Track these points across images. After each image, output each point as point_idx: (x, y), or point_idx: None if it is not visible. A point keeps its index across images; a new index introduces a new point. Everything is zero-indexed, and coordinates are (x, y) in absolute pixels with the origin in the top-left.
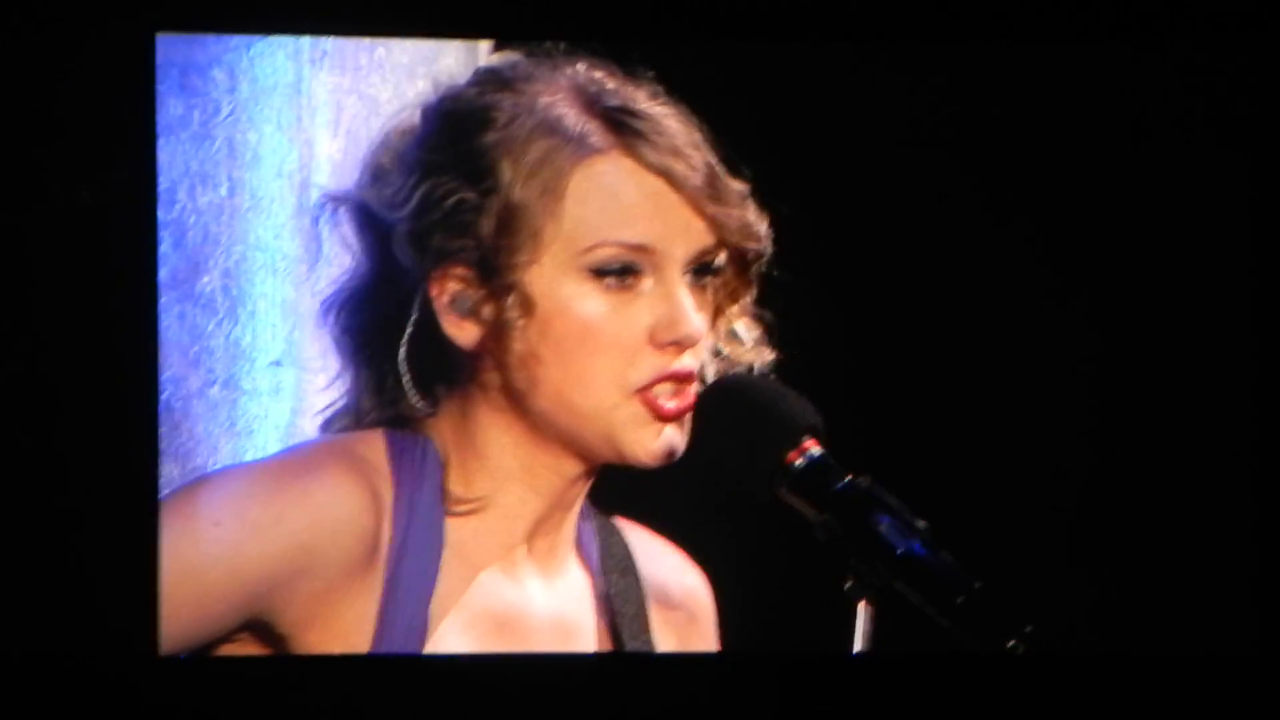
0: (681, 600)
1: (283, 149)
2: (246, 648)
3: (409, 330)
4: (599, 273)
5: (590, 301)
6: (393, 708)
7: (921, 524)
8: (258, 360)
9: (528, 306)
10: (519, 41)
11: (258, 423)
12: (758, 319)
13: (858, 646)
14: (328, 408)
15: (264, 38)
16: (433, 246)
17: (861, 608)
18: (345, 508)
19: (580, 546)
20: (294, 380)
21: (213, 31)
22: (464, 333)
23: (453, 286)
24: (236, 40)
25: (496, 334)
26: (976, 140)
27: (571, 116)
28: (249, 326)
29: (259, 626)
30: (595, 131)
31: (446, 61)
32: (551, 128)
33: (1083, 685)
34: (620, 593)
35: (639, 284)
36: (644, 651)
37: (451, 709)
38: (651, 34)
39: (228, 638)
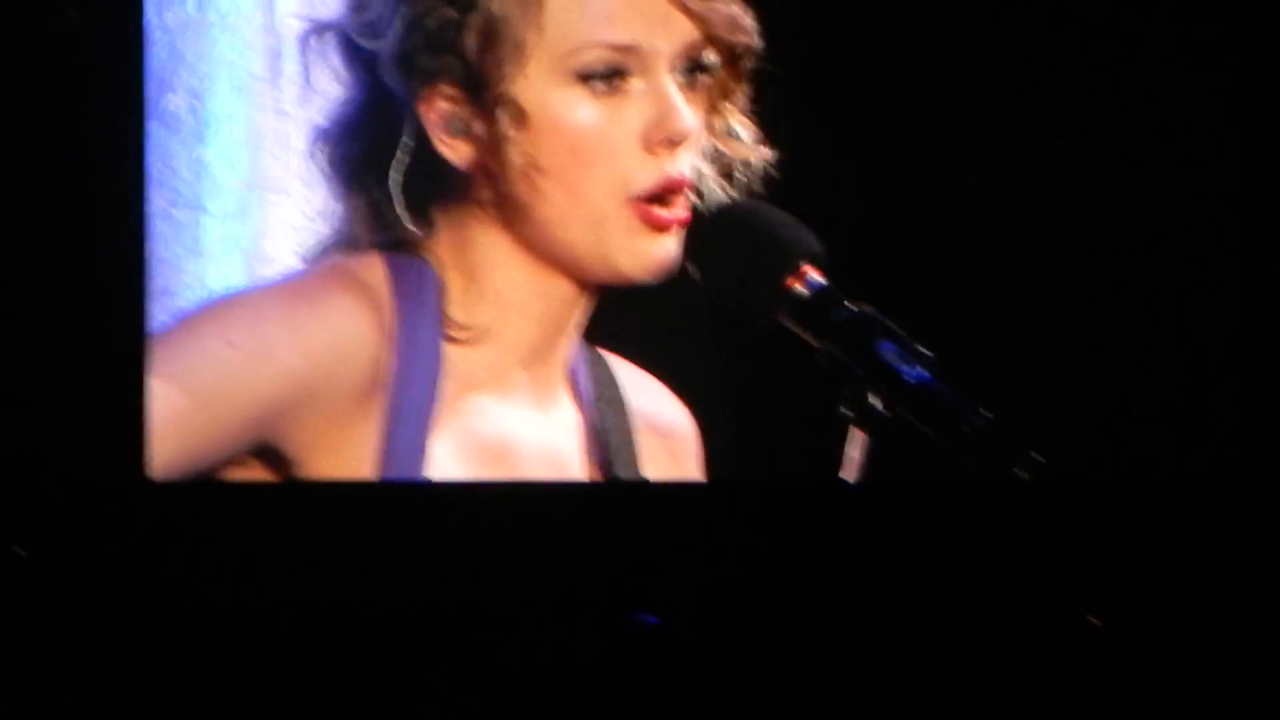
0: (668, 432)
1: None
2: (251, 472)
3: (399, 154)
4: (586, 77)
5: (580, 108)
6: (394, 534)
7: (925, 352)
8: (222, 181)
9: (520, 118)
10: None
11: (222, 245)
12: (754, 115)
13: (847, 473)
14: (320, 241)
15: None
16: (418, 67)
17: (853, 434)
18: (355, 331)
19: (572, 376)
20: (259, 202)
21: None
22: (457, 152)
23: (442, 106)
24: None
25: (492, 149)
26: None
27: None
28: (214, 146)
29: (266, 450)
30: None
31: None
32: None
33: (1076, 515)
34: (610, 424)
35: (627, 85)
36: (636, 479)
37: (451, 535)
38: None
39: (234, 460)
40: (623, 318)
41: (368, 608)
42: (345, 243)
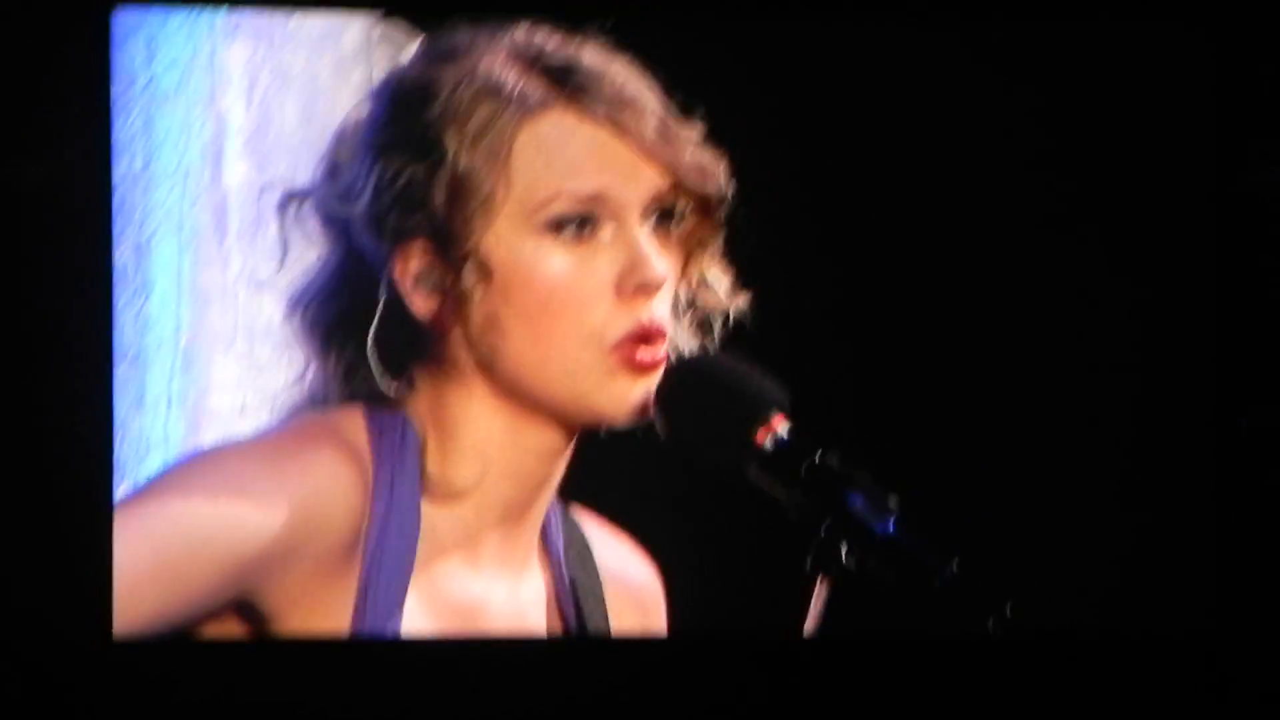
0: (636, 588)
1: (196, 121)
2: (225, 626)
3: (378, 313)
4: (556, 227)
5: (550, 259)
6: (368, 690)
7: (893, 502)
8: (166, 336)
9: (484, 273)
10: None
11: (166, 400)
12: (728, 264)
13: (811, 624)
14: (292, 405)
15: (193, 10)
16: (390, 227)
17: (819, 586)
18: (337, 488)
19: (545, 538)
20: (204, 357)
21: (173, 4)
22: (430, 309)
23: (415, 264)
24: (152, 11)
25: (456, 306)
26: (941, 84)
27: (512, 77)
28: (158, 300)
29: (246, 606)
30: (536, 89)
31: (350, 35)
32: (493, 90)
33: (1044, 664)
34: (581, 581)
35: (598, 235)
36: (605, 634)
37: (425, 691)
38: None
39: (213, 617)
40: (590, 472)
41: None
42: (319, 403)
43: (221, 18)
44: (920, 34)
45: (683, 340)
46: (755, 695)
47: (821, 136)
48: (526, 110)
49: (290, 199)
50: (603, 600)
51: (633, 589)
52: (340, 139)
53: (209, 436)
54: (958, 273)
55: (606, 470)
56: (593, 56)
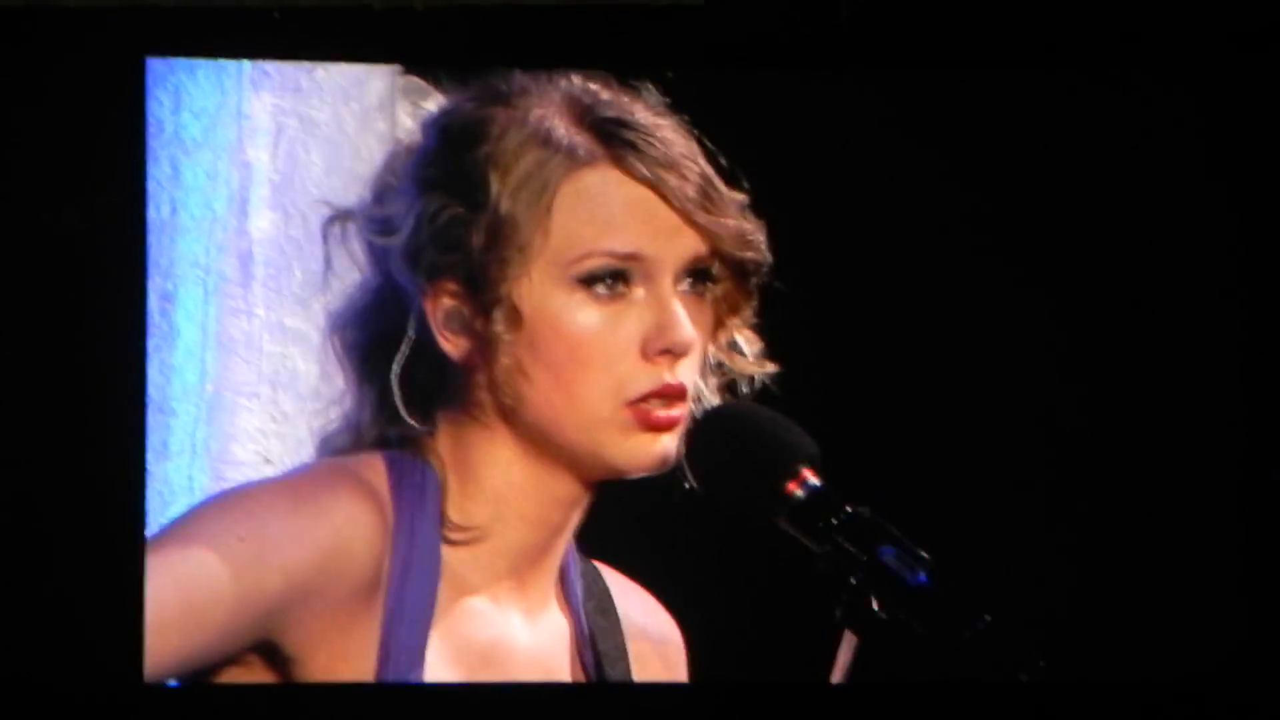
0: (659, 640)
1: (223, 170)
2: (249, 670)
3: (404, 349)
4: (588, 281)
5: (581, 312)
6: None
7: (925, 555)
8: (190, 384)
9: (514, 320)
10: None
11: (189, 448)
12: (759, 331)
13: (838, 676)
14: (329, 424)
15: (220, 61)
16: (426, 262)
17: (846, 638)
18: (359, 531)
19: (564, 583)
20: (228, 406)
21: (202, 56)
22: (458, 348)
23: (446, 302)
24: (179, 62)
25: (484, 348)
26: (974, 159)
27: (561, 128)
28: (183, 349)
29: (268, 647)
30: (584, 143)
31: (375, 85)
32: (541, 140)
33: (1076, 714)
34: (602, 632)
35: (630, 293)
36: (632, 682)
37: None
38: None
39: (234, 659)
40: (611, 521)
41: None
42: (351, 431)
43: (249, 68)
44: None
45: (708, 402)
46: None
47: (861, 207)
48: (573, 163)
49: (336, 219)
50: (625, 651)
51: (655, 642)
52: (391, 164)
53: (232, 485)
54: (989, 332)
55: (627, 522)
56: (644, 114)
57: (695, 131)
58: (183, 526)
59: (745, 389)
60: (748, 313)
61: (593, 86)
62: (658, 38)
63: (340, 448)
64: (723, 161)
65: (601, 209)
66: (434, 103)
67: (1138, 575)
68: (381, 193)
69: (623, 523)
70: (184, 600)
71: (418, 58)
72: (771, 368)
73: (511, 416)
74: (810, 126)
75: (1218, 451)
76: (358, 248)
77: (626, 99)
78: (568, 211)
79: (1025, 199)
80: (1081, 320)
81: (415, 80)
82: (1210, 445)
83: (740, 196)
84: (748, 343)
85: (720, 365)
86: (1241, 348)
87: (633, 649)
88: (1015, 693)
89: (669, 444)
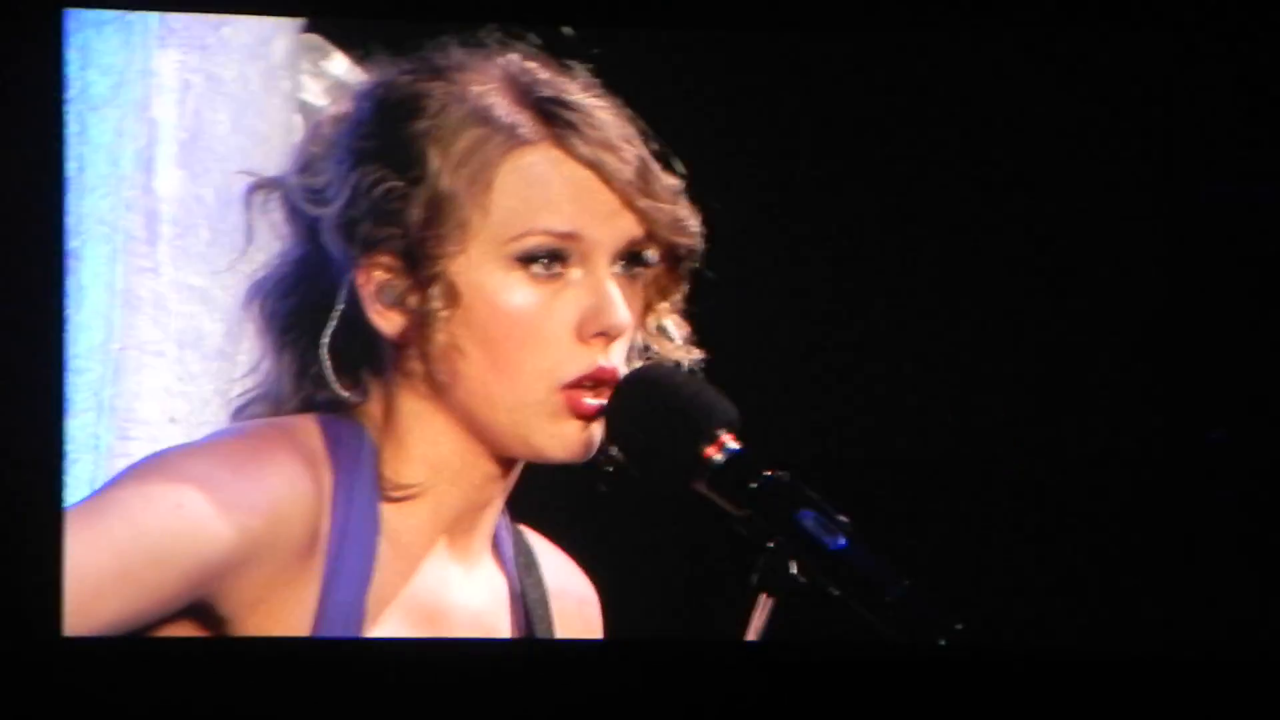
0: (577, 603)
1: (131, 128)
2: (182, 630)
3: (333, 320)
4: (526, 260)
5: (517, 291)
6: (329, 691)
7: (844, 519)
8: (96, 343)
9: (452, 297)
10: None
11: (94, 407)
12: (687, 316)
13: (753, 638)
14: (244, 394)
15: (139, 12)
16: (360, 235)
17: (762, 601)
18: (297, 492)
19: (496, 544)
20: (134, 364)
21: (120, 8)
22: (389, 322)
23: (379, 275)
24: (88, 17)
25: (420, 324)
26: (911, 138)
27: (502, 106)
28: (89, 308)
29: (204, 609)
30: (526, 122)
31: (279, 44)
32: (482, 117)
33: (998, 681)
34: (530, 590)
35: (566, 273)
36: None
37: (386, 694)
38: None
39: (168, 621)
40: (532, 486)
41: None
42: (270, 400)
43: (156, 25)
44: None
45: None
46: (701, 700)
47: (794, 190)
48: (514, 142)
49: (258, 188)
50: (549, 610)
51: (575, 600)
52: (317, 132)
53: (138, 444)
54: (902, 288)
55: (547, 484)
56: (581, 94)
57: (630, 113)
58: (119, 491)
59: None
60: (677, 297)
61: (529, 65)
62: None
63: (256, 415)
64: (658, 145)
65: (542, 188)
66: (336, 63)
67: (1058, 538)
68: (309, 161)
69: (542, 485)
70: (122, 567)
71: (332, 7)
72: (698, 354)
73: (444, 392)
74: (747, 101)
75: (1144, 406)
76: (280, 216)
77: (563, 79)
78: (508, 190)
79: (963, 167)
80: (1005, 281)
81: (316, 39)
82: (1138, 400)
83: (675, 181)
84: (675, 327)
85: (646, 349)
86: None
87: (554, 607)
88: (933, 656)
89: (594, 432)
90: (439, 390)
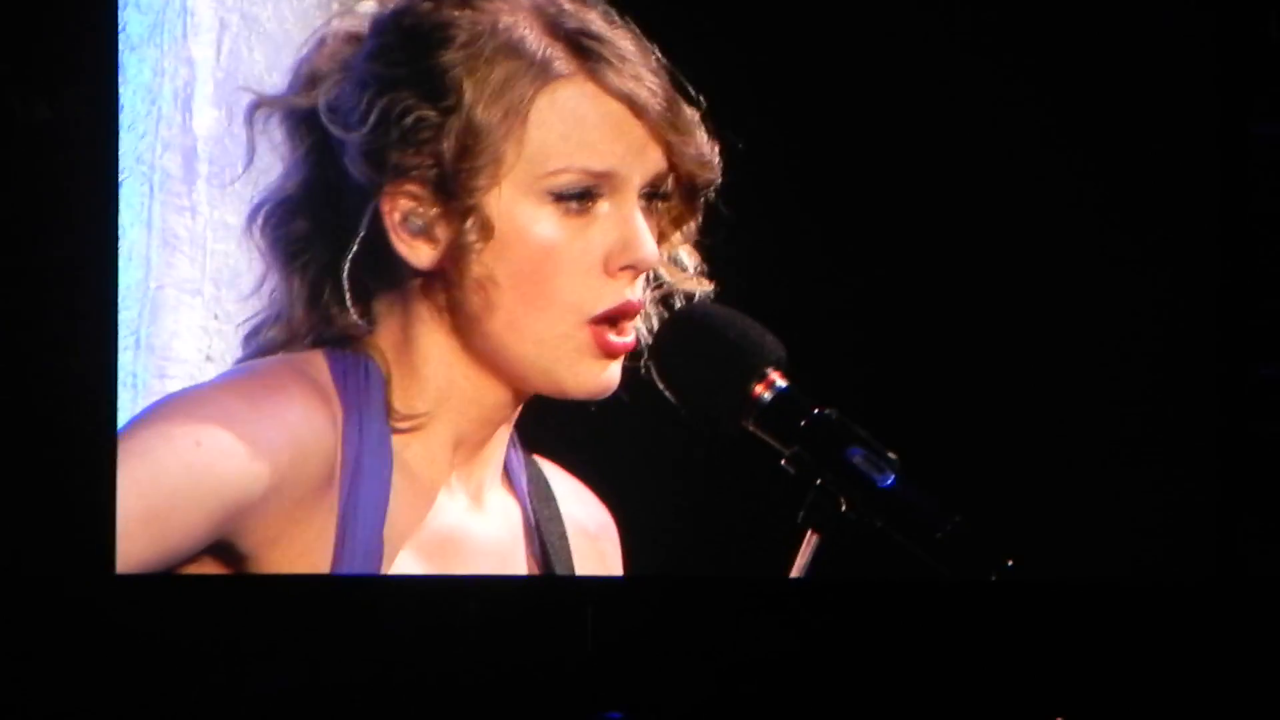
0: (596, 532)
1: (169, 67)
2: (203, 568)
3: (355, 246)
4: (559, 197)
5: (548, 225)
6: (352, 626)
7: (892, 456)
8: (134, 281)
9: (486, 230)
10: None
11: (132, 344)
12: (699, 247)
13: (798, 574)
14: (253, 317)
15: None
16: (389, 163)
17: (808, 538)
18: (312, 427)
19: (508, 474)
20: (171, 302)
21: None
22: (416, 252)
23: (405, 204)
24: None
25: (453, 256)
26: (929, 80)
27: (534, 39)
28: (126, 246)
29: (225, 546)
30: (559, 56)
31: None
32: (515, 49)
33: (1048, 615)
34: (546, 521)
35: (595, 207)
36: (570, 571)
37: (407, 627)
38: None
39: (190, 561)
40: (550, 414)
41: (328, 701)
42: (281, 324)
43: None
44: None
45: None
46: (740, 638)
47: (813, 126)
48: (549, 76)
49: (260, 106)
50: (566, 541)
51: (592, 533)
52: (321, 48)
53: (175, 381)
54: (954, 239)
55: (564, 411)
56: (604, 25)
57: (647, 43)
58: (140, 431)
59: (680, 303)
60: (691, 228)
61: None
62: None
63: (270, 341)
64: (679, 77)
65: (577, 123)
66: (366, 3)
67: (1108, 475)
68: (313, 78)
69: (558, 412)
70: (146, 507)
71: None
72: (709, 285)
73: (465, 324)
74: (760, 34)
75: (1189, 349)
76: (283, 138)
77: (584, 8)
78: (543, 124)
79: (978, 109)
80: (1050, 219)
81: None
82: (1180, 343)
83: (695, 113)
84: (688, 257)
85: (658, 278)
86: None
87: (572, 539)
88: (984, 591)
89: (615, 372)
90: (461, 322)
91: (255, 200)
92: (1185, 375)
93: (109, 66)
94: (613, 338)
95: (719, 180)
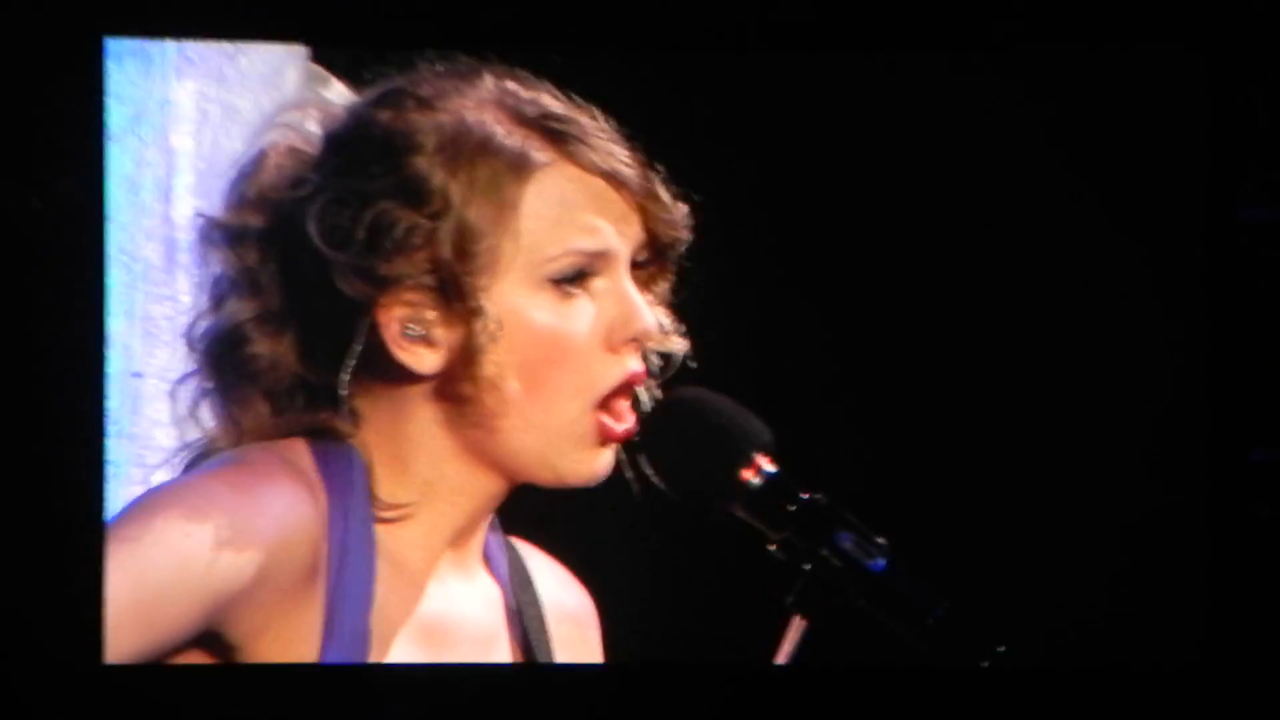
0: (575, 617)
1: (150, 157)
2: (193, 658)
3: (351, 360)
4: (557, 281)
5: (550, 311)
6: (340, 715)
7: (882, 541)
8: (113, 369)
9: (497, 328)
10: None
11: (110, 432)
12: (672, 308)
13: (784, 659)
14: (200, 439)
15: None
16: (381, 274)
17: (795, 623)
18: (299, 516)
19: (488, 558)
20: (153, 391)
21: (160, 36)
22: (419, 359)
23: (402, 312)
24: (111, 48)
25: (463, 358)
26: (887, 135)
27: (504, 132)
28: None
29: (213, 636)
30: (534, 145)
31: (290, 75)
32: (490, 145)
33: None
34: (526, 606)
35: (591, 285)
36: (562, 662)
37: (393, 715)
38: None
39: (178, 652)
40: (528, 498)
41: None
42: (240, 437)
43: (174, 56)
44: (886, 74)
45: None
46: None
47: (779, 176)
48: (531, 165)
49: (212, 227)
50: (545, 626)
51: (571, 616)
52: (263, 164)
53: (158, 472)
54: (945, 314)
55: (542, 495)
56: (562, 105)
57: (602, 116)
58: (129, 522)
59: (657, 367)
60: (664, 289)
61: (509, 85)
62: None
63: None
64: (637, 145)
65: (567, 208)
66: (334, 91)
67: (1098, 560)
68: (265, 198)
69: (536, 496)
70: (136, 597)
71: (377, 40)
72: (684, 344)
73: (468, 422)
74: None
75: (1182, 435)
76: (232, 260)
77: (539, 93)
78: (533, 213)
79: (957, 175)
80: (1039, 305)
81: (319, 69)
82: (1174, 428)
83: (659, 177)
84: (663, 319)
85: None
86: (1207, 336)
87: (551, 626)
88: (975, 677)
89: (609, 458)
90: (479, 418)
91: (199, 326)
92: (1176, 460)
93: (95, 158)
94: (614, 425)
95: (689, 240)
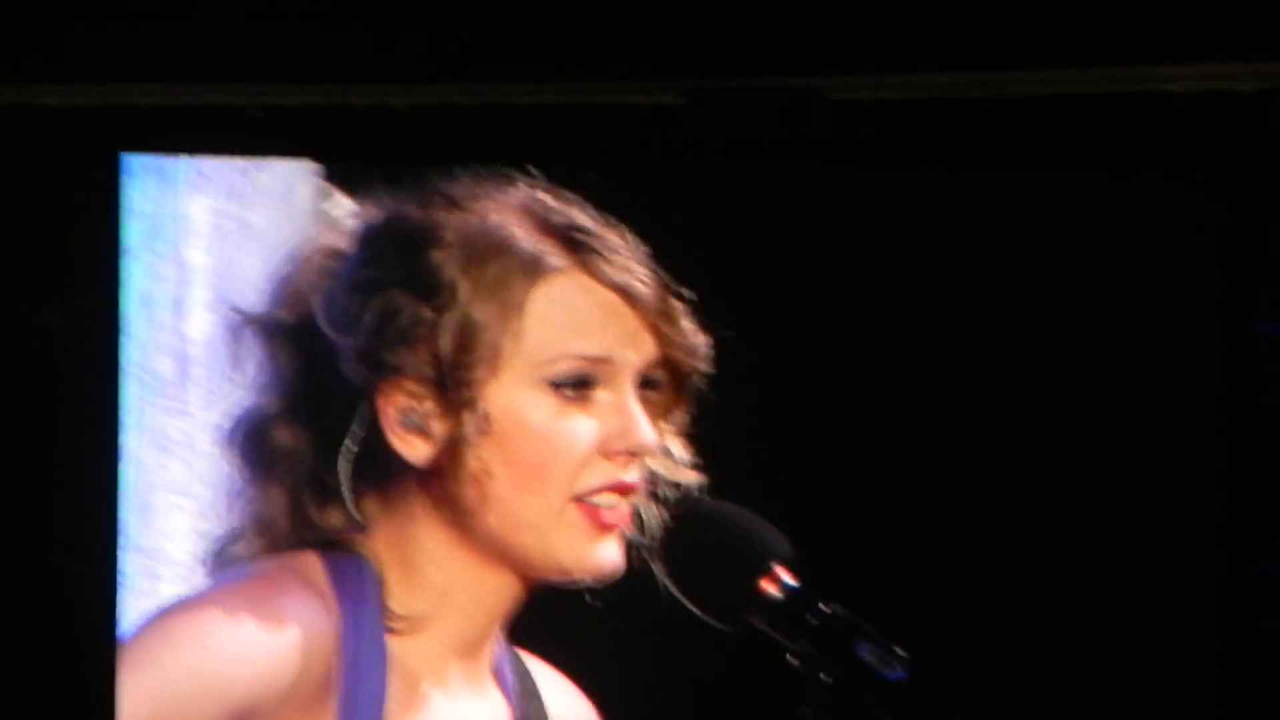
0: None
1: (163, 272)
2: None
3: (353, 448)
4: (556, 385)
5: (545, 413)
6: None
7: (900, 652)
8: (127, 482)
9: (484, 422)
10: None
11: (121, 545)
12: (689, 438)
13: None
14: (222, 536)
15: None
16: (384, 362)
17: None
18: (314, 629)
19: (496, 671)
20: (165, 505)
21: (178, 153)
22: (412, 449)
23: (401, 400)
24: (128, 163)
25: (451, 450)
26: (915, 268)
27: (524, 235)
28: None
29: None
30: (551, 250)
31: (301, 189)
32: (507, 246)
33: None
34: (533, 718)
35: (593, 394)
36: None
37: None
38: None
39: None
40: (537, 606)
41: None
42: (260, 534)
43: (189, 172)
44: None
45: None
46: None
47: (799, 316)
48: (542, 270)
49: (246, 324)
50: None
51: None
52: (303, 265)
53: (166, 584)
54: (959, 426)
55: (545, 602)
56: (592, 220)
57: (634, 238)
58: (145, 639)
59: (669, 496)
60: (679, 418)
61: (540, 194)
62: (640, 137)
63: (249, 551)
64: (664, 270)
65: (572, 314)
66: (337, 205)
67: (1115, 674)
68: (299, 296)
69: (539, 603)
70: (154, 713)
71: (396, 157)
72: (698, 476)
73: (469, 517)
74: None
75: (1189, 546)
76: (264, 354)
77: (571, 207)
78: (540, 316)
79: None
80: (1052, 417)
81: (331, 186)
82: (1180, 540)
83: (683, 305)
84: (677, 448)
85: (650, 470)
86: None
87: None
88: None
89: (615, 551)
90: (464, 515)
91: (232, 419)
92: (1188, 574)
93: (111, 274)
94: (605, 513)
95: (707, 370)
